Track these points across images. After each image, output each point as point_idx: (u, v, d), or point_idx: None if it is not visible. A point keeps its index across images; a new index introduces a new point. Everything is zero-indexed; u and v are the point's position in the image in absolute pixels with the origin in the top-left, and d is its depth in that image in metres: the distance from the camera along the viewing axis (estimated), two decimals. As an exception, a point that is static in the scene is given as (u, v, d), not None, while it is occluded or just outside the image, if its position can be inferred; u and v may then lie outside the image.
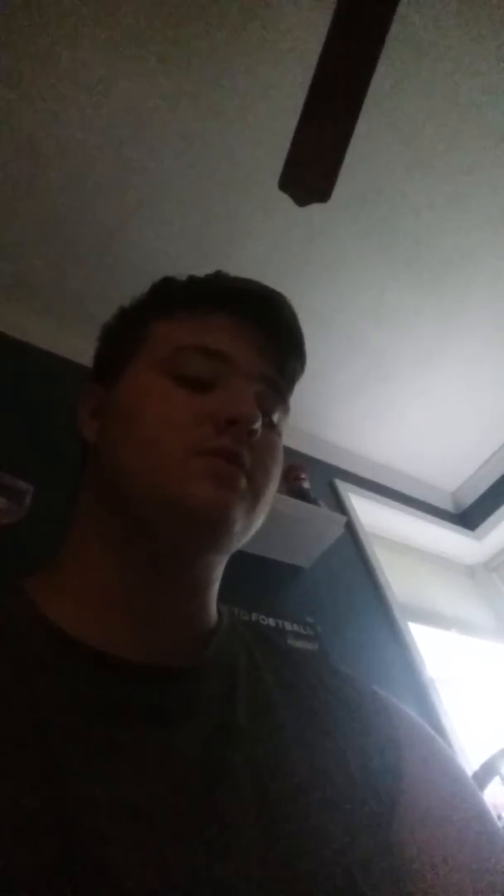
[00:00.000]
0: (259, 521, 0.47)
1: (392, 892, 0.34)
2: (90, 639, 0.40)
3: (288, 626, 1.38)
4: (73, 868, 0.28)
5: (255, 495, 0.45)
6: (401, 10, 0.88)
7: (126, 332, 0.54)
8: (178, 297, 0.53)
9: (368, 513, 2.19)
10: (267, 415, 0.49)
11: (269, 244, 1.71)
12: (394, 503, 2.34)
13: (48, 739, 0.33)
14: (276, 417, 0.51)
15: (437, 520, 2.44)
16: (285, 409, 0.53)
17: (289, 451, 2.11)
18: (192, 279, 0.54)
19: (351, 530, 1.95)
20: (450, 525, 2.47)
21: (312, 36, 1.24)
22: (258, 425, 0.44)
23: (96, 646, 0.40)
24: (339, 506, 2.07)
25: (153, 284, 0.55)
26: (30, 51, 1.31)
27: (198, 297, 0.52)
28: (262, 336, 0.51)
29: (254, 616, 1.33)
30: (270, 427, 0.50)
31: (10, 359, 1.62)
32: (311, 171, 1.05)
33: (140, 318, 0.53)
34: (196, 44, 1.32)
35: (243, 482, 0.43)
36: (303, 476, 1.68)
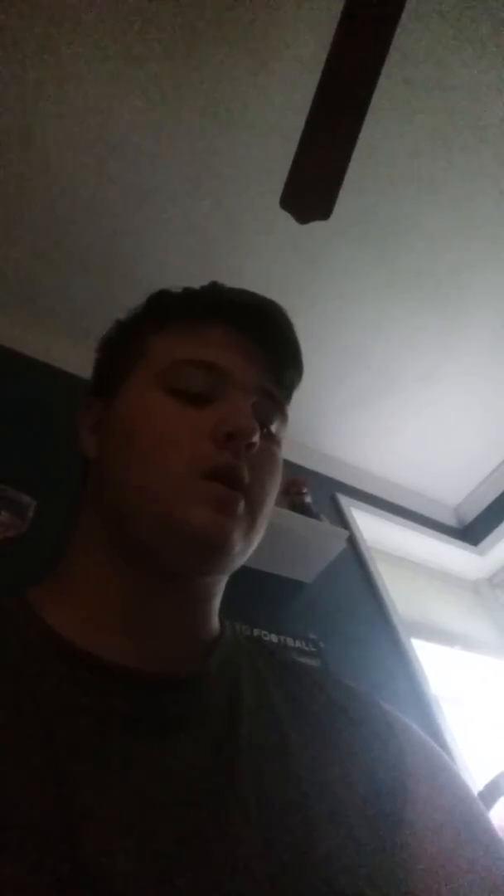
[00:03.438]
0: (258, 538, 0.47)
1: None
2: (93, 648, 0.40)
3: (290, 642, 1.37)
4: (77, 880, 0.28)
5: (252, 514, 0.45)
6: (400, 28, 0.90)
7: (123, 347, 0.54)
8: (173, 311, 0.53)
9: (370, 527, 2.19)
10: (265, 426, 0.49)
11: (270, 260, 1.73)
12: (396, 518, 2.33)
13: (51, 749, 0.33)
14: (274, 428, 0.51)
15: (439, 535, 2.43)
16: (284, 419, 0.53)
17: (290, 465, 2.11)
18: (186, 291, 0.54)
19: (353, 545, 1.94)
20: (452, 540, 2.46)
21: (316, 54, 1.26)
22: (256, 438, 0.44)
23: (99, 655, 0.40)
24: (341, 520, 2.06)
25: (149, 297, 0.56)
26: (31, 64, 1.34)
27: (193, 309, 0.52)
28: (258, 347, 0.51)
29: (255, 632, 1.32)
30: (269, 438, 0.50)
31: (11, 372, 1.63)
32: (313, 189, 1.06)
33: (136, 331, 0.54)
34: (201, 58, 1.34)
35: (241, 506, 0.43)
36: (304, 490, 1.67)
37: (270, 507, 0.49)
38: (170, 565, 0.43)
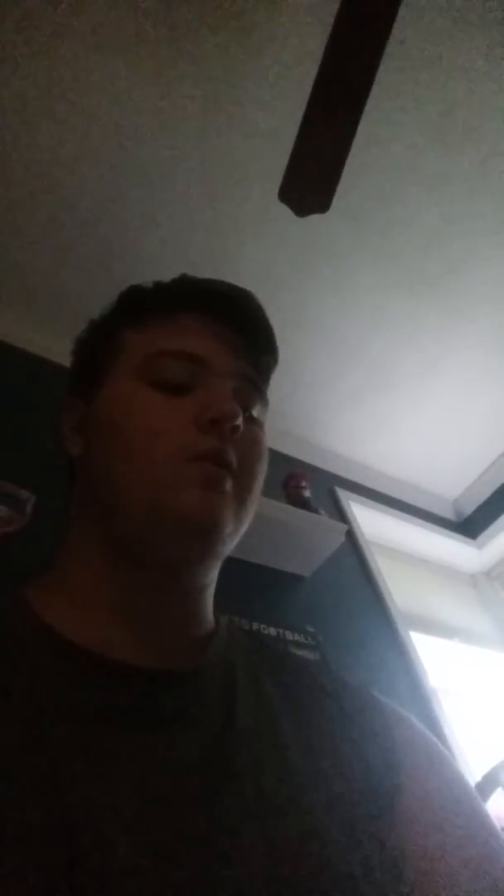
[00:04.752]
0: (248, 518, 0.48)
1: (393, 892, 0.34)
2: (89, 643, 0.40)
3: (289, 635, 1.37)
4: (78, 875, 0.28)
5: (242, 495, 0.46)
6: (397, 23, 0.89)
7: (100, 345, 0.54)
8: (146, 304, 0.53)
9: (369, 521, 2.19)
10: (246, 410, 0.50)
11: (268, 253, 1.72)
12: (395, 511, 2.34)
13: (49, 746, 0.33)
14: (255, 412, 0.52)
15: (438, 528, 2.44)
16: (264, 403, 0.54)
17: (289, 459, 2.11)
18: (158, 285, 0.55)
19: (352, 539, 1.95)
20: (451, 533, 2.47)
21: (316, 46, 1.25)
22: (240, 421, 0.44)
23: (95, 650, 0.40)
24: (340, 514, 2.07)
25: (120, 294, 0.56)
26: (29, 55, 1.33)
27: (166, 301, 0.53)
28: (233, 333, 0.52)
29: (254, 625, 1.32)
30: (252, 421, 0.51)
31: (10, 366, 1.63)
32: (311, 182, 1.06)
33: (111, 329, 0.54)
34: (199, 51, 1.33)
35: (229, 484, 0.44)
36: (303, 484, 1.67)
37: (259, 489, 0.49)
38: (162, 553, 0.44)
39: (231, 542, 0.46)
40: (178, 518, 0.41)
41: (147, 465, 0.43)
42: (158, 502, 0.42)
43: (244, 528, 0.47)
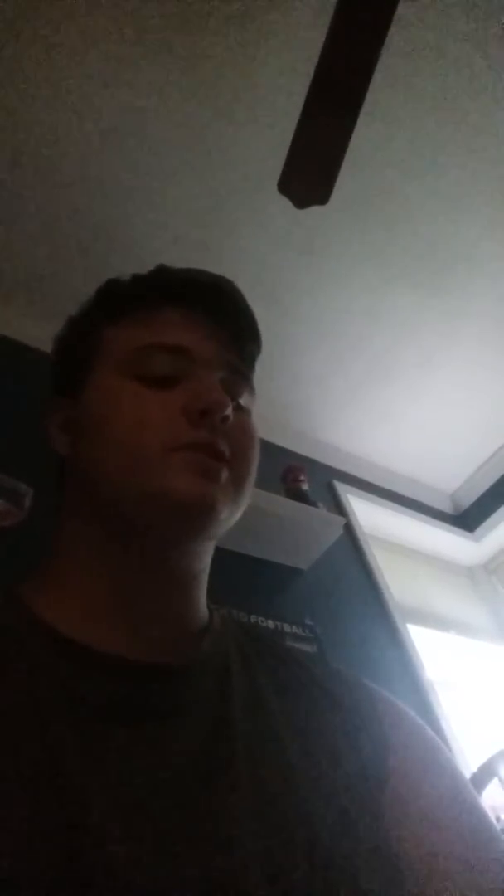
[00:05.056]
0: (244, 504, 0.48)
1: (387, 880, 0.35)
2: (85, 639, 0.40)
3: (287, 627, 1.38)
4: (78, 867, 0.28)
5: (237, 482, 0.46)
6: (399, 13, 0.88)
7: (81, 342, 0.54)
8: (126, 299, 0.53)
9: (367, 514, 2.20)
10: (234, 399, 0.50)
11: (268, 246, 1.71)
12: (392, 505, 2.34)
13: (47, 741, 0.34)
14: (243, 400, 0.52)
15: (435, 521, 2.45)
16: (251, 392, 0.54)
17: (287, 453, 2.11)
18: (136, 278, 0.54)
19: (350, 532, 1.95)
20: (448, 527, 2.47)
21: (314, 37, 1.24)
22: (229, 411, 0.44)
23: (91, 645, 0.40)
24: (338, 507, 2.07)
25: (98, 290, 0.56)
26: (30, 46, 1.31)
27: (145, 294, 0.52)
28: (216, 323, 0.51)
29: (252, 618, 1.33)
30: (240, 410, 0.51)
31: (8, 361, 1.62)
32: (311, 173, 1.05)
33: (91, 325, 0.54)
34: (198, 43, 1.32)
35: (224, 474, 0.44)
36: (302, 478, 1.68)
37: (254, 473, 0.49)
38: (157, 537, 0.44)
39: (226, 526, 0.46)
40: (173, 501, 0.41)
41: (138, 456, 0.43)
42: (152, 487, 0.42)
43: (240, 512, 0.48)
